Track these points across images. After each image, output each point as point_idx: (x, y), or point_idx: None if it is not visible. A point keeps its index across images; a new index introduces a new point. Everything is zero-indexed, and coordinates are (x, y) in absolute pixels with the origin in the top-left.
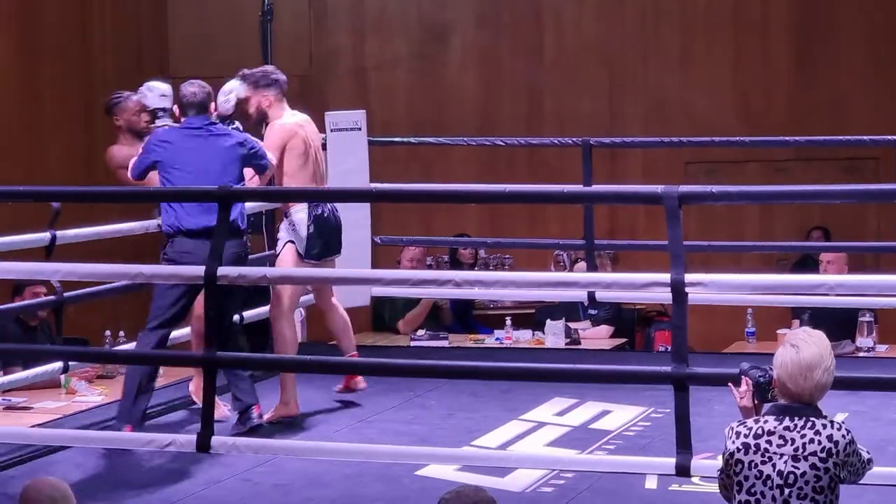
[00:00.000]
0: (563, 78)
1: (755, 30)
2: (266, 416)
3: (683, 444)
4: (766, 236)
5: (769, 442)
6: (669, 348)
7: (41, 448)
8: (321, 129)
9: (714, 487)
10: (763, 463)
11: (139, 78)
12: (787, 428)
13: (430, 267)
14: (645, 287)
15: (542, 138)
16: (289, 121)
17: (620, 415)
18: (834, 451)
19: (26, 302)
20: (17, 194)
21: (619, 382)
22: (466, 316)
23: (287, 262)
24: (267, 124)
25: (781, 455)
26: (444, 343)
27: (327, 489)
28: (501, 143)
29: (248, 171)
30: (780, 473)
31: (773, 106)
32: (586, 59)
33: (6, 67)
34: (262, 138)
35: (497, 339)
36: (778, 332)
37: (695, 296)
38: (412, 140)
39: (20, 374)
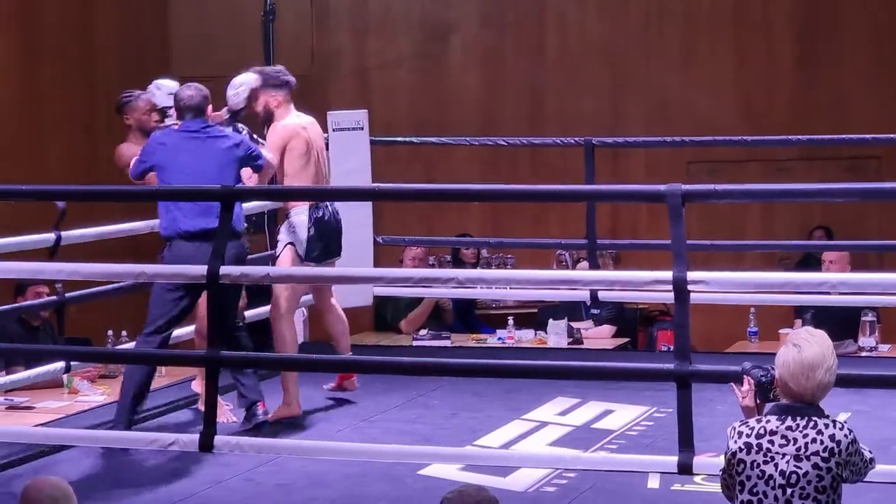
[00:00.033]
0: (565, 78)
1: (758, 29)
2: (268, 417)
3: (686, 443)
4: (768, 236)
5: (771, 442)
6: (672, 348)
7: (44, 448)
8: (324, 128)
9: (716, 487)
10: (765, 463)
11: (141, 78)
12: (789, 427)
13: (432, 266)
14: (647, 285)
15: (545, 138)
16: (292, 122)
17: (623, 414)
18: (836, 450)
19: (28, 302)
20: (19, 193)
21: (622, 380)
22: (469, 316)
23: (286, 263)
24: (271, 124)
25: (784, 455)
26: (447, 343)
27: (329, 489)
28: (504, 143)
29: (246, 171)
30: (782, 473)
31: (776, 105)
32: (589, 58)
33: (7, 67)
34: (264, 138)
35: (499, 338)
36: (780, 331)
37: (697, 295)
38: (414, 140)
39: (22, 374)
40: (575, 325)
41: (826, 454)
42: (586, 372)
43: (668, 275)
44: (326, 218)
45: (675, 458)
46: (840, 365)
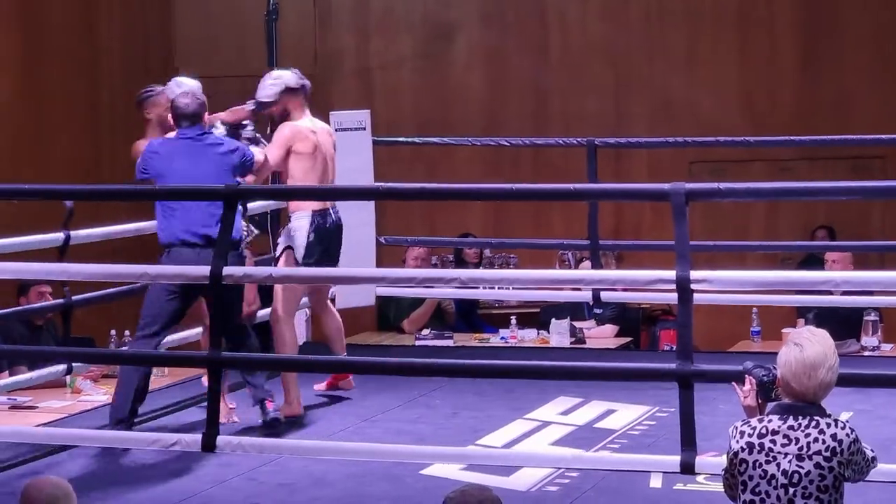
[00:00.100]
0: (568, 78)
1: (761, 28)
2: (278, 413)
3: (688, 443)
4: (771, 235)
5: (773, 441)
6: (674, 347)
7: (46, 447)
8: None
9: (719, 486)
10: (767, 462)
11: (144, 78)
12: (791, 427)
13: (434, 266)
14: (650, 284)
15: (547, 138)
16: (302, 124)
17: (625, 414)
18: (838, 449)
19: (35, 305)
20: (25, 192)
21: (625, 380)
22: (471, 315)
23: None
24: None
25: (786, 454)
26: (449, 342)
27: (332, 488)
28: (506, 144)
29: None
30: (784, 473)
31: (779, 104)
32: (592, 59)
33: (12, 68)
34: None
35: (502, 338)
36: (783, 331)
37: (700, 294)
38: (417, 140)
39: (25, 376)
40: (577, 324)
41: (828, 453)
42: (588, 372)
43: (671, 274)
44: (328, 225)
45: (677, 458)
46: (842, 364)
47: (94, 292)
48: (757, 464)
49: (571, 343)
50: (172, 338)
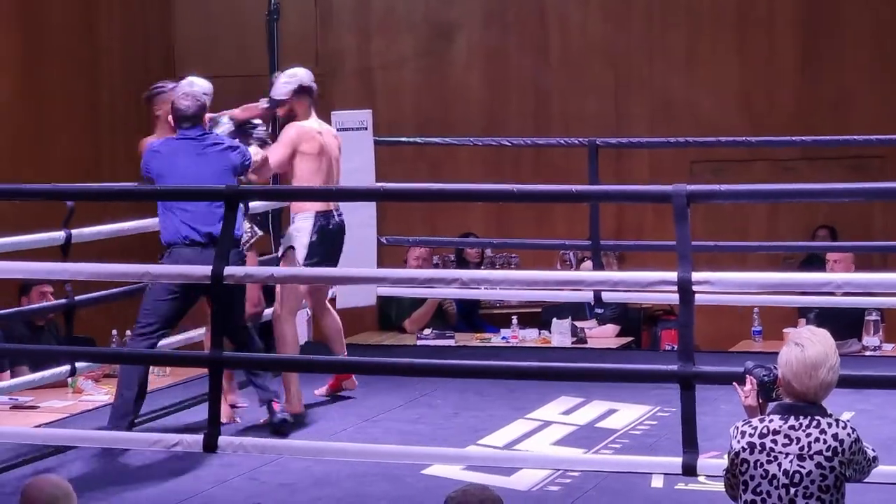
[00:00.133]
0: (568, 78)
1: (761, 27)
2: (286, 414)
3: (689, 444)
4: (773, 236)
5: (774, 441)
6: (676, 347)
7: (48, 447)
8: None
9: (720, 486)
10: (769, 462)
11: (145, 78)
12: (792, 427)
13: (436, 266)
14: (652, 286)
15: (549, 138)
16: (309, 125)
17: (626, 414)
18: (839, 449)
19: (37, 305)
20: (26, 193)
21: (626, 381)
22: (473, 315)
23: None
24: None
25: (787, 454)
26: (451, 342)
27: (333, 488)
28: (508, 144)
29: None
30: (785, 473)
31: (779, 104)
32: (592, 59)
33: (12, 68)
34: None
35: (503, 337)
36: (784, 330)
37: (701, 295)
38: (419, 140)
39: (27, 378)
40: (579, 324)
41: (829, 453)
42: (589, 373)
43: (672, 275)
44: (331, 226)
45: (679, 459)
46: (844, 364)
47: (97, 292)
48: (758, 464)
49: (573, 343)
50: (176, 338)
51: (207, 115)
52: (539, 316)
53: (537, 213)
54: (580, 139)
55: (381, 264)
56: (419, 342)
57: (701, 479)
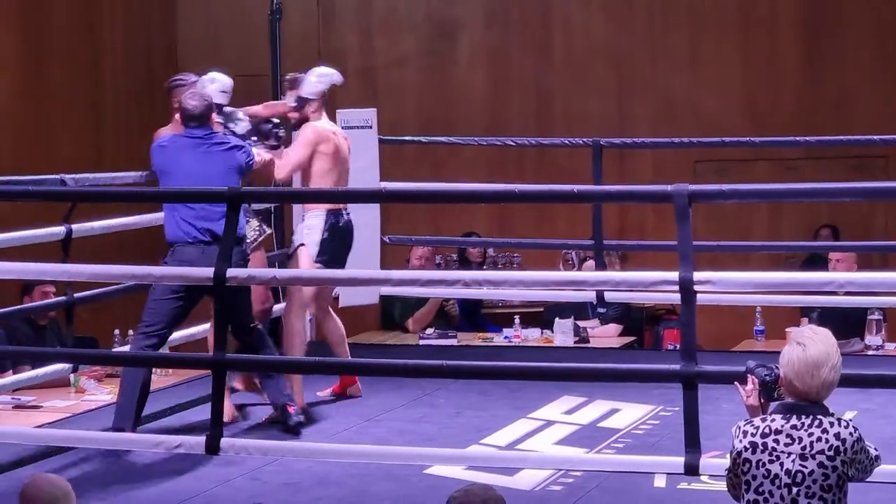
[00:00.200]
0: (571, 79)
1: (763, 26)
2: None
3: (692, 443)
4: (775, 235)
5: (776, 441)
6: (678, 346)
7: (50, 447)
8: None
9: (722, 486)
10: (771, 462)
11: (147, 78)
12: (794, 426)
13: (438, 265)
14: (654, 286)
15: (553, 138)
16: (325, 126)
17: (629, 413)
18: (841, 448)
19: (37, 303)
20: (28, 194)
21: (628, 381)
22: (475, 314)
23: (303, 264)
24: (299, 126)
25: (789, 454)
26: (453, 341)
27: (335, 488)
28: (512, 144)
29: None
30: (787, 472)
31: (782, 103)
32: (595, 60)
33: (13, 68)
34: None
35: (506, 337)
36: (787, 330)
37: (703, 295)
38: (423, 139)
39: (29, 374)
40: (581, 323)
41: (831, 453)
42: (591, 373)
43: (674, 275)
44: (342, 224)
45: (681, 459)
46: (846, 364)
47: (97, 290)
48: (760, 463)
49: (575, 342)
50: (181, 334)
51: (226, 109)
52: (541, 315)
53: (539, 213)
54: (584, 139)
55: (384, 263)
56: (421, 342)
57: (703, 478)
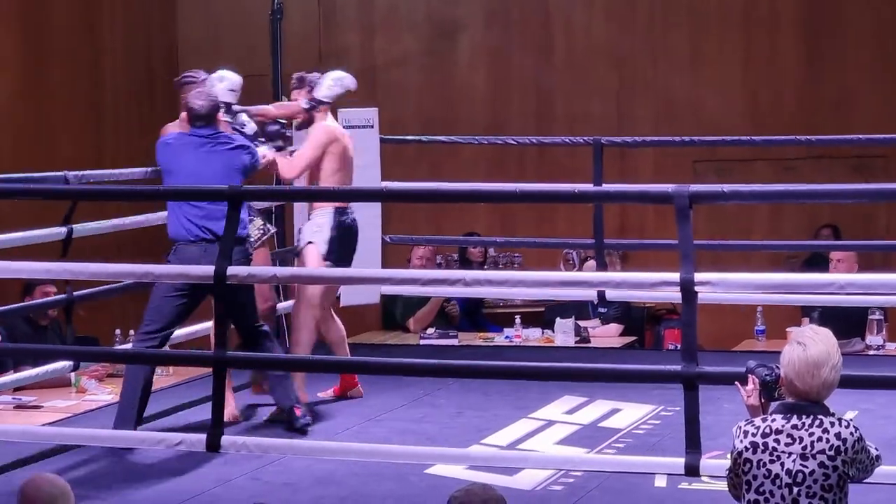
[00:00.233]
0: (572, 80)
1: (763, 27)
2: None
3: (693, 444)
4: (776, 234)
5: (777, 441)
6: (679, 346)
7: (51, 447)
8: None
9: (723, 486)
10: (771, 462)
11: (148, 79)
12: (794, 426)
13: (439, 265)
14: (654, 286)
15: (554, 137)
16: (335, 126)
17: (630, 413)
18: (842, 448)
19: (36, 301)
20: (29, 192)
21: (629, 381)
22: (476, 314)
23: (312, 262)
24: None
25: (790, 454)
26: (454, 341)
27: (336, 487)
28: (513, 142)
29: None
30: (788, 472)
31: (782, 103)
32: (596, 60)
33: (13, 68)
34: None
35: (507, 337)
36: (788, 329)
37: (704, 295)
38: (424, 139)
39: (30, 372)
40: (582, 323)
41: (832, 452)
42: (592, 373)
43: (675, 276)
44: (348, 223)
45: (682, 459)
46: (847, 364)
47: (97, 288)
48: (761, 463)
49: (576, 342)
50: (183, 331)
51: (234, 107)
52: (542, 315)
53: (540, 211)
54: (585, 138)
55: (385, 263)
56: (422, 342)
57: (704, 478)
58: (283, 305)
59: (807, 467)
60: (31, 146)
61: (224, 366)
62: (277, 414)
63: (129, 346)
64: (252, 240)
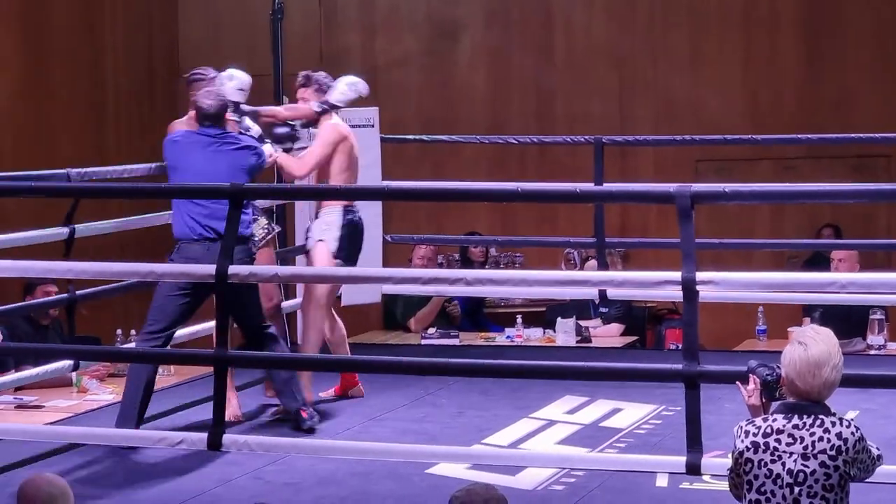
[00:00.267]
0: (573, 80)
1: (763, 26)
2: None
3: (694, 443)
4: (777, 234)
5: (778, 440)
6: (680, 346)
7: (52, 446)
8: None
9: (725, 485)
10: (772, 461)
11: (149, 79)
12: (795, 426)
13: (441, 265)
14: (656, 285)
15: (555, 136)
16: (343, 125)
17: (631, 413)
18: (843, 448)
19: (38, 300)
20: (31, 190)
21: (630, 380)
22: (477, 314)
23: (322, 260)
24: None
25: (791, 453)
26: (455, 341)
27: (338, 487)
28: (514, 142)
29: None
30: (789, 472)
31: (782, 102)
32: (596, 61)
33: (13, 68)
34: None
35: (508, 336)
36: (789, 329)
37: (705, 294)
38: (425, 138)
39: (31, 372)
40: (583, 323)
41: (833, 452)
42: (594, 372)
43: (676, 275)
44: (356, 221)
45: (683, 459)
46: (849, 363)
47: (98, 287)
48: (762, 463)
49: (577, 342)
50: (186, 331)
51: (243, 107)
52: (543, 315)
53: (542, 211)
54: (586, 137)
55: (386, 262)
56: (423, 341)
57: (705, 478)
58: (288, 304)
59: (808, 467)
60: (32, 146)
61: (225, 364)
62: (281, 413)
63: (130, 345)
64: (256, 239)
